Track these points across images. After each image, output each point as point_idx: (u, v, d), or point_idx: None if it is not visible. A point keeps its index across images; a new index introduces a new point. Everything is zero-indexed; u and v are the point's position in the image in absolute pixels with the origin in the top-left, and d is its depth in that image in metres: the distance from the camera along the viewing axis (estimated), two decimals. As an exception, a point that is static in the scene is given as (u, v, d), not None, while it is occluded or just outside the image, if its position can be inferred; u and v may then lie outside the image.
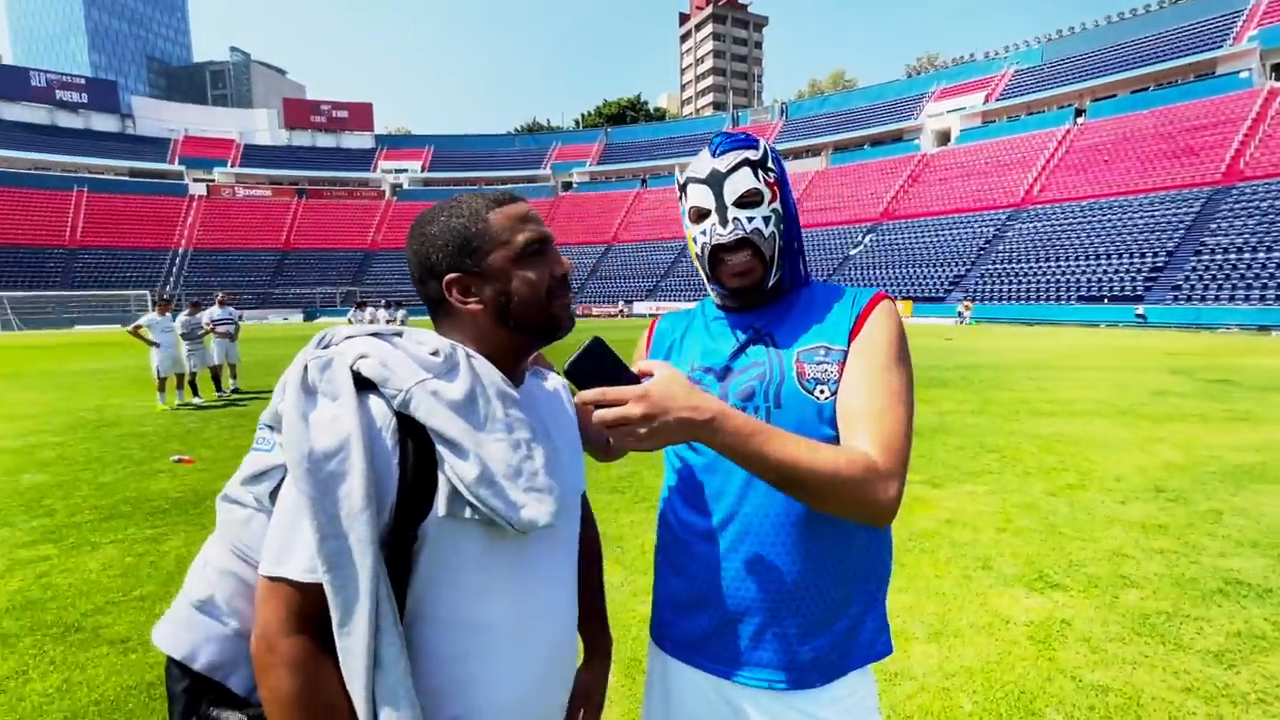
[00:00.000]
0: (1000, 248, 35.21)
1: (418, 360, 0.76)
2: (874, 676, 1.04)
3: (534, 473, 0.77)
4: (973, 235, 37.42)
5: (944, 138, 47.84)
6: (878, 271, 38.46)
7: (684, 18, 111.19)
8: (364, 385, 0.74)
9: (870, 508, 0.85)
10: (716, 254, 1.01)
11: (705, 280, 1.08)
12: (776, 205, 1.00)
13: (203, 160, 59.23)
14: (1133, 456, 5.41)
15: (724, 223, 0.99)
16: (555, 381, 1.00)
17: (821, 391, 0.95)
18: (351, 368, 0.74)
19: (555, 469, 0.81)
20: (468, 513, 0.73)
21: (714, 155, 1.01)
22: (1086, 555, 3.43)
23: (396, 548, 0.73)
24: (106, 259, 48.07)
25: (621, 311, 43.85)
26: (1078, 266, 30.82)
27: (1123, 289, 28.25)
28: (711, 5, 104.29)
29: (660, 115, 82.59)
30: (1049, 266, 31.85)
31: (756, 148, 1.01)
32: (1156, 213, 31.11)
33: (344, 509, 0.68)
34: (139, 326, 8.98)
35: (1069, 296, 29.57)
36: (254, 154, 61.96)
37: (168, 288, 43.30)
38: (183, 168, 58.21)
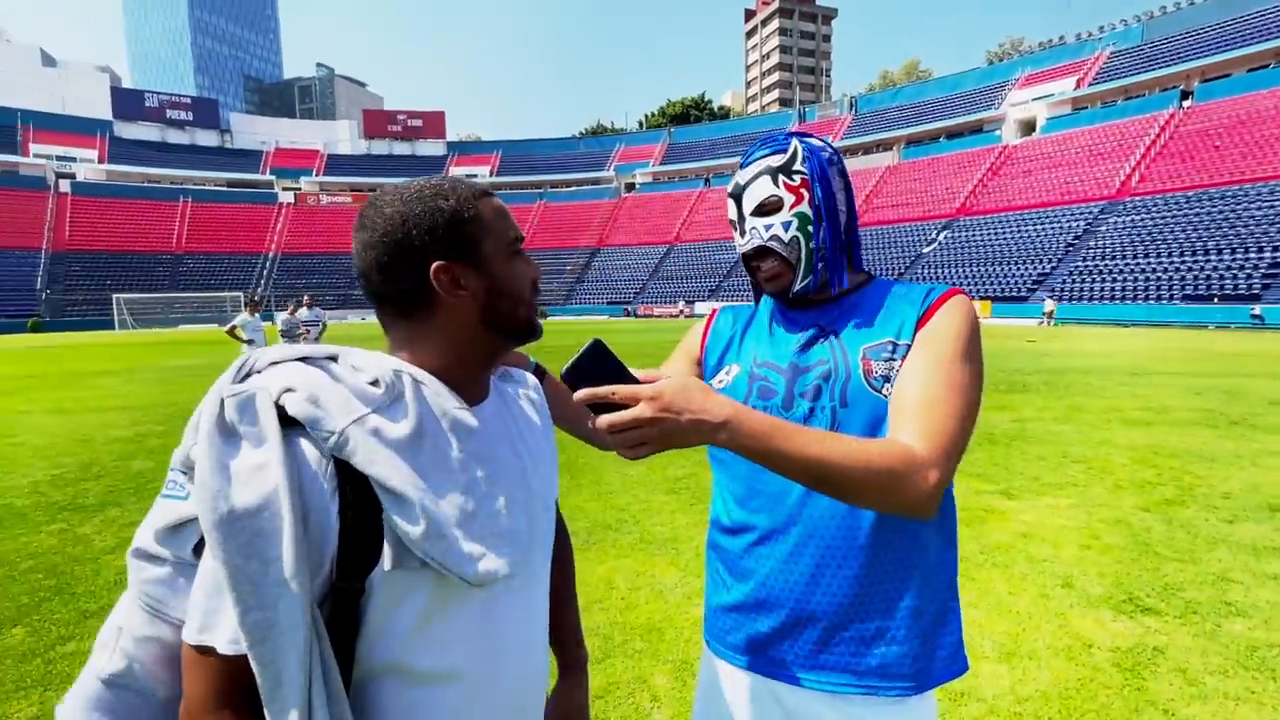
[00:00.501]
0: (1091, 243, 32.83)
1: (355, 391, 0.67)
2: (934, 693, 0.98)
3: (493, 515, 0.71)
4: (1060, 230, 35.06)
5: (1028, 127, 45.10)
6: (953, 270, 36.66)
7: (749, 14, 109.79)
8: (292, 423, 0.64)
9: (906, 502, 0.79)
10: (747, 262, 1.05)
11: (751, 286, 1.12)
12: (802, 208, 0.98)
13: (290, 170, 63.74)
14: (1244, 472, 4.91)
15: (742, 234, 1.02)
16: (527, 382, 0.93)
17: (889, 390, 0.91)
18: (277, 403, 0.64)
19: (523, 502, 0.76)
20: (417, 564, 0.66)
21: (742, 168, 1.03)
22: (1185, 578, 3.14)
23: (341, 601, 0.65)
24: (206, 264, 52.48)
25: (683, 312, 43.73)
26: (1182, 263, 28.35)
27: (1236, 287, 25.78)
28: (778, 0, 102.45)
29: (724, 113, 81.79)
30: (1148, 263, 29.44)
31: (783, 152, 0.99)
32: (1279, 202, 28.19)
33: (272, 575, 0.59)
34: (234, 327, 9.71)
35: (1171, 295, 27.24)
36: (336, 163, 66.09)
37: (259, 290, 46.69)
38: (273, 177, 62.87)
